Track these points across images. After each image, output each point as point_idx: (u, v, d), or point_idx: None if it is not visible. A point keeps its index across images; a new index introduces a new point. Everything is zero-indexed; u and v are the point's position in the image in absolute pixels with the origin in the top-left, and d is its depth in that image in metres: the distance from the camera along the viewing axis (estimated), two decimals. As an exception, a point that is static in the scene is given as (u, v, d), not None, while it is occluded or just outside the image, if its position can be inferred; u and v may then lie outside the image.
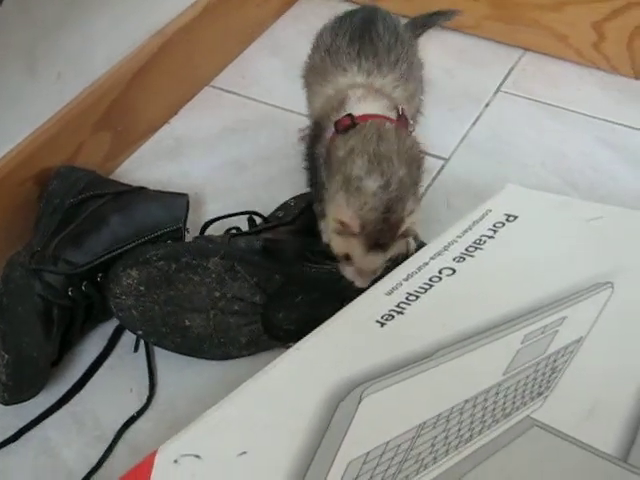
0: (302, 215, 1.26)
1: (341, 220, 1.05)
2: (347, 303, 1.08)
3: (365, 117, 1.13)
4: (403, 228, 1.05)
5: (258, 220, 1.28)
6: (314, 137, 1.20)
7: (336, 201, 1.06)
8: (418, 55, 1.34)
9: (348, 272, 1.10)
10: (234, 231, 1.24)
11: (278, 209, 1.31)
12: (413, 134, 1.18)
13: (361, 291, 1.08)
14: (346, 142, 1.10)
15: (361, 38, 1.25)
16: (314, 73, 1.29)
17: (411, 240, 1.15)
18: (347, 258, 1.08)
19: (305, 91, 1.35)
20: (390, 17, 1.32)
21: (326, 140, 1.16)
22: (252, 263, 1.14)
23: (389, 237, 1.04)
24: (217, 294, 1.14)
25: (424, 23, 1.50)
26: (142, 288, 1.13)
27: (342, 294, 1.14)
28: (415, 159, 1.11)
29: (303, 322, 1.16)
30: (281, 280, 1.15)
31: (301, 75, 1.37)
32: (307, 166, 1.23)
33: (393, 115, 1.16)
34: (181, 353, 1.17)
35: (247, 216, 1.27)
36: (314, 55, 1.32)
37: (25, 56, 1.23)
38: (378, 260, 1.07)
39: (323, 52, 1.28)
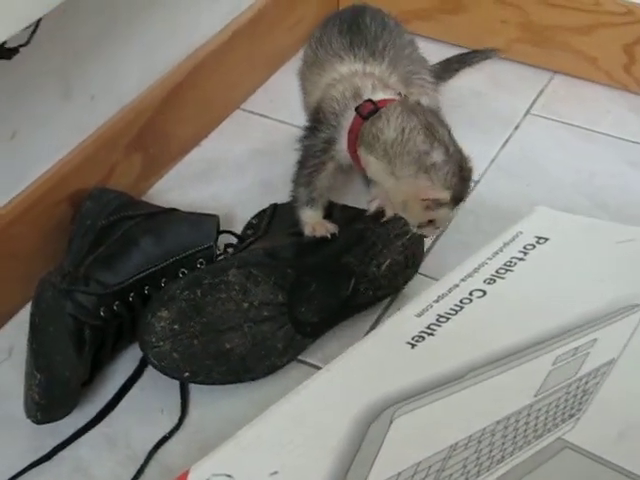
0: (270, 224, 1.31)
1: (432, 198, 1.11)
2: (355, 279, 1.19)
3: (384, 101, 1.18)
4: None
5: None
6: (315, 123, 1.24)
7: (417, 182, 1.12)
8: (405, 36, 1.36)
9: (428, 231, 1.17)
10: (231, 249, 1.26)
11: (245, 228, 1.34)
12: None
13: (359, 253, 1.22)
14: (388, 123, 1.15)
15: (350, 28, 1.29)
16: (309, 67, 1.33)
17: None
18: (430, 222, 1.15)
19: (300, 88, 1.40)
20: (377, 10, 1.36)
21: (344, 125, 1.20)
22: (264, 264, 1.16)
23: (468, 188, 1.13)
24: (245, 305, 1.14)
25: (461, 61, 1.52)
26: (176, 326, 1.12)
27: (349, 272, 1.20)
28: (440, 114, 1.21)
29: (323, 311, 1.20)
30: (294, 273, 1.17)
31: (297, 75, 1.40)
32: (302, 154, 1.27)
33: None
34: (229, 383, 1.16)
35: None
36: (307, 52, 1.36)
37: (59, 79, 1.25)
38: (453, 213, 1.15)
39: (315, 45, 1.32)
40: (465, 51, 1.59)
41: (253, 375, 1.17)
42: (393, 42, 1.31)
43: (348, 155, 1.21)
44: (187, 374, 1.13)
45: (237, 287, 1.14)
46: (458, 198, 1.12)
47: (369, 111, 1.17)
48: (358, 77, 1.23)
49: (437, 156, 1.11)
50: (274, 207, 1.36)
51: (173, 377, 1.14)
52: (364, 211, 1.27)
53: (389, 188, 1.16)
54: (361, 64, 1.25)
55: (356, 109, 1.19)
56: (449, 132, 1.15)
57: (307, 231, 1.24)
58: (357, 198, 1.35)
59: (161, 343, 1.11)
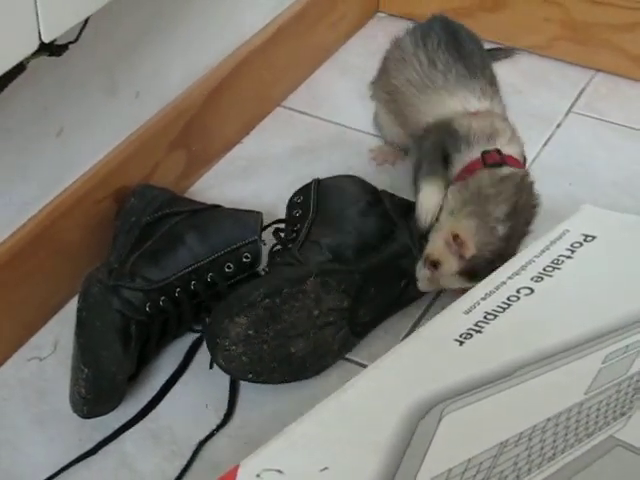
0: (318, 203, 1.30)
1: (461, 238, 1.15)
2: (406, 282, 1.22)
3: (511, 159, 1.23)
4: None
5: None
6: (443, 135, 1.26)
7: (467, 222, 1.16)
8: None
9: (421, 273, 1.20)
10: (278, 247, 1.26)
11: (290, 208, 1.33)
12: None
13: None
14: (495, 182, 1.19)
15: (459, 53, 1.31)
16: (411, 87, 1.33)
17: None
18: (434, 265, 1.17)
19: (385, 104, 1.41)
20: (469, 31, 1.37)
21: (464, 159, 1.23)
22: (337, 271, 1.17)
23: (482, 275, 1.11)
24: (316, 312, 1.15)
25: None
26: (251, 332, 1.12)
27: (402, 272, 1.23)
28: (533, 218, 1.23)
29: (375, 311, 1.23)
30: (361, 279, 1.18)
31: (375, 86, 1.42)
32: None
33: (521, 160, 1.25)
34: (286, 382, 1.17)
35: (272, 230, 1.29)
36: (403, 69, 1.35)
37: (106, 75, 1.26)
38: (458, 284, 1.17)
39: (419, 66, 1.32)
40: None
41: (308, 375, 1.18)
42: (492, 72, 1.34)
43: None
44: (251, 375, 1.14)
45: (312, 295, 1.14)
46: (471, 267, 1.16)
47: (493, 162, 1.20)
48: (497, 119, 1.26)
49: (500, 229, 1.16)
50: (317, 182, 1.33)
51: (236, 377, 1.15)
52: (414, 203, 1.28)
53: (441, 219, 1.20)
54: (477, 100, 1.28)
55: (483, 153, 1.21)
56: (526, 224, 1.20)
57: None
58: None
59: (233, 347, 1.11)
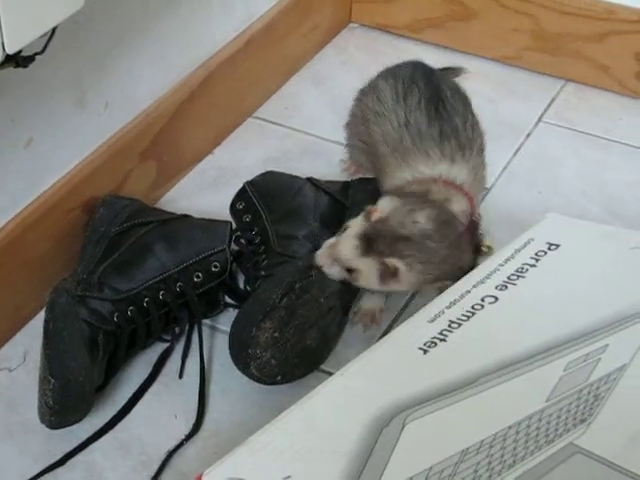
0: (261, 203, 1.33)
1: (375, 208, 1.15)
2: None
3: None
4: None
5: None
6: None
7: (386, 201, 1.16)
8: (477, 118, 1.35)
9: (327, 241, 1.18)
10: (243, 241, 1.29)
11: (238, 216, 1.35)
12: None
13: None
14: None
15: (437, 113, 1.27)
16: (386, 144, 1.30)
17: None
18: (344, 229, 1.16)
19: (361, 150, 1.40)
20: (452, 83, 1.36)
21: None
22: None
23: (377, 248, 1.13)
24: (322, 300, 1.18)
25: None
26: (277, 334, 1.13)
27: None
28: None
29: (356, 289, 1.24)
30: None
31: (350, 131, 1.41)
32: None
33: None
34: (305, 375, 1.18)
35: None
36: (379, 120, 1.32)
37: (74, 87, 1.26)
38: (350, 256, 1.15)
39: (398, 124, 1.29)
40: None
41: (320, 363, 1.21)
42: (478, 129, 1.31)
43: None
44: (279, 377, 1.15)
45: (317, 285, 1.17)
46: (369, 235, 1.13)
47: None
48: (437, 187, 1.22)
49: (417, 213, 1.15)
50: (250, 184, 1.37)
51: (266, 383, 1.16)
52: None
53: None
54: (447, 164, 1.24)
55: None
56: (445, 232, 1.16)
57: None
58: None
59: (264, 353, 1.13)
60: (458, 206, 1.21)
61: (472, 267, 1.16)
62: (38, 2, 0.91)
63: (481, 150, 1.31)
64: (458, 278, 1.13)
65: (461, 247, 1.17)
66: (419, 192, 1.21)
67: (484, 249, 1.23)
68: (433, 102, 1.28)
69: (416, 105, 1.28)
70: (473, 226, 1.22)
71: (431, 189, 1.21)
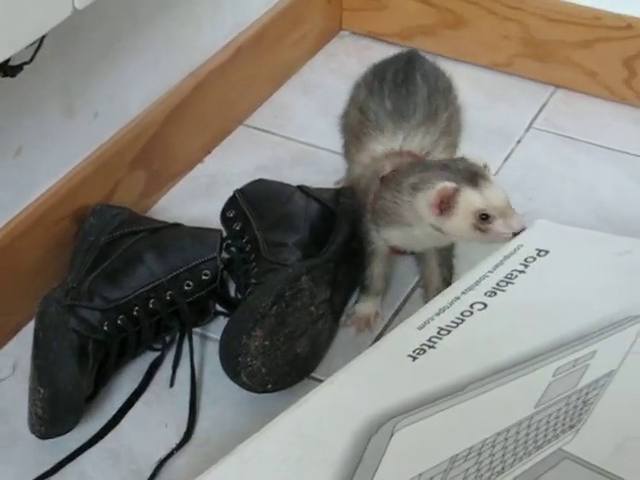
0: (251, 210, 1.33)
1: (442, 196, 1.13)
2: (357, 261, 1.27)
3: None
4: None
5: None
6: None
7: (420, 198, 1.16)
8: (457, 102, 1.37)
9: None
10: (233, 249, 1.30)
11: (228, 224, 1.35)
12: None
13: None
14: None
15: (397, 93, 1.29)
16: (351, 133, 1.34)
17: None
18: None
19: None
20: (431, 66, 1.36)
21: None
22: (318, 265, 1.21)
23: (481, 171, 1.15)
24: (312, 308, 1.18)
25: None
26: (267, 342, 1.13)
27: (355, 256, 1.27)
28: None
29: (343, 296, 1.29)
30: (333, 267, 1.23)
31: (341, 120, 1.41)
32: None
33: None
34: (295, 383, 1.19)
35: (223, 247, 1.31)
36: (350, 111, 1.36)
37: (63, 96, 1.26)
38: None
39: (359, 112, 1.31)
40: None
41: (310, 371, 1.21)
42: (446, 108, 1.32)
43: None
44: (270, 385, 1.16)
45: (308, 292, 1.18)
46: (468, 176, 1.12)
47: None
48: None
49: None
50: (240, 192, 1.37)
51: (257, 392, 1.16)
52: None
53: (424, 235, 1.19)
54: (400, 140, 1.26)
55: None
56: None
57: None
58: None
59: (254, 361, 1.13)
60: None
61: None
62: (25, 11, 0.92)
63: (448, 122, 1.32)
64: None
65: None
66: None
67: None
68: (400, 83, 1.30)
69: (377, 88, 1.31)
70: None
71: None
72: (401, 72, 1.31)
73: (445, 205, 1.12)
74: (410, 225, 1.18)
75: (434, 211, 1.13)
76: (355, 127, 1.32)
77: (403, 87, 1.29)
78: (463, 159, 1.16)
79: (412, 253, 1.32)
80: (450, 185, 1.12)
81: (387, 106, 1.28)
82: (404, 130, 1.26)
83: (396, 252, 1.29)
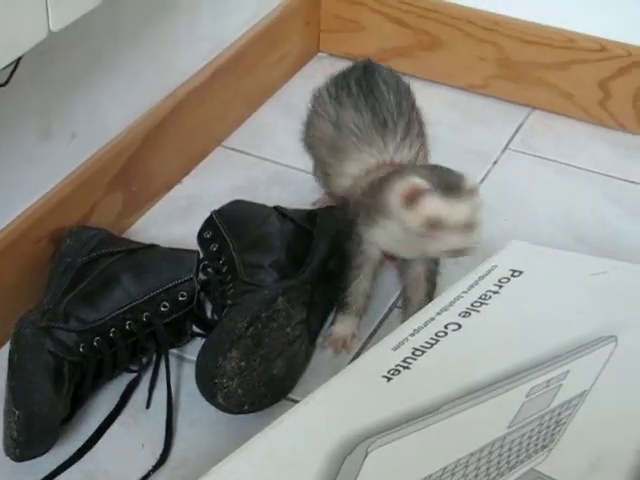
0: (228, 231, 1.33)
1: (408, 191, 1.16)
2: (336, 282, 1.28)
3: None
4: None
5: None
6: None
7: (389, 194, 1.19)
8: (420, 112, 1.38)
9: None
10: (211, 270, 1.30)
11: (205, 245, 1.35)
12: None
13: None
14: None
15: (370, 103, 1.31)
16: (326, 147, 1.35)
17: None
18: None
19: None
20: (388, 72, 1.37)
21: None
22: (295, 286, 1.21)
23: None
24: (288, 329, 1.18)
25: None
26: (243, 363, 1.13)
27: (333, 276, 1.28)
28: None
29: (320, 318, 1.30)
30: (310, 288, 1.23)
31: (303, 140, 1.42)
32: None
33: None
34: (272, 404, 1.19)
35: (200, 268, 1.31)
36: (319, 124, 1.37)
37: (40, 117, 1.26)
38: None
39: (332, 126, 1.33)
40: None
41: (286, 392, 1.21)
42: (416, 118, 1.34)
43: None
44: (246, 407, 1.16)
45: (284, 314, 1.18)
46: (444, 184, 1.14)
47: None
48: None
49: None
50: (217, 213, 1.37)
51: (233, 413, 1.16)
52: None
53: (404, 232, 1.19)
54: (391, 152, 1.29)
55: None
56: None
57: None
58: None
59: (230, 383, 1.13)
60: None
61: None
62: (0, 33, 0.92)
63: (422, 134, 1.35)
64: None
65: None
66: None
67: None
68: (363, 94, 1.32)
69: (345, 100, 1.33)
70: None
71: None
72: (363, 80, 1.34)
73: (410, 199, 1.14)
74: (389, 218, 1.20)
75: (400, 200, 1.15)
76: (331, 141, 1.33)
77: (371, 96, 1.31)
78: (450, 170, 1.19)
79: (403, 260, 1.31)
80: (422, 183, 1.14)
81: (366, 118, 1.30)
82: (392, 141, 1.29)
83: (388, 257, 1.30)
